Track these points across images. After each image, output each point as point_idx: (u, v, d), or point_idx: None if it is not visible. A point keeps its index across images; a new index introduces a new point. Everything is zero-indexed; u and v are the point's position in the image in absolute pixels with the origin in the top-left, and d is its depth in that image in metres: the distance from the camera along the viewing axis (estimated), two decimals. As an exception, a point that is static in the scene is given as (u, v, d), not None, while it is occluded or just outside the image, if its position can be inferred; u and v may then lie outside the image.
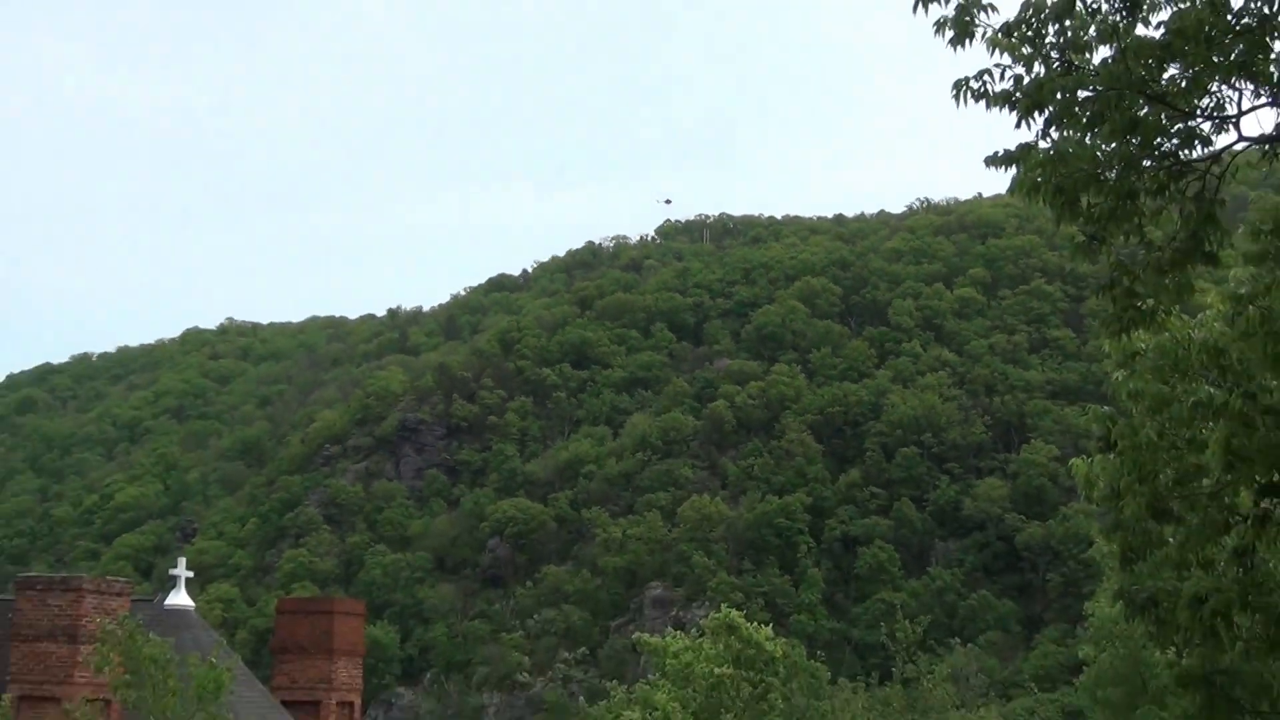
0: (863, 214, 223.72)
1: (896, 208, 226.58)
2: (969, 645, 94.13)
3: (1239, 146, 11.69)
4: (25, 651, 28.26)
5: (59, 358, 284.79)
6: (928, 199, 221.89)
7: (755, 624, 51.99)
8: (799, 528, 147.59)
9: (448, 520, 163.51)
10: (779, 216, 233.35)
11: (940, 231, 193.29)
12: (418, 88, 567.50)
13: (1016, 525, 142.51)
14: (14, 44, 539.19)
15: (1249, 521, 12.75)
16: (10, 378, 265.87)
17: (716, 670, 49.45)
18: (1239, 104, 11.41)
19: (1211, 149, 11.70)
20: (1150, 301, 12.46)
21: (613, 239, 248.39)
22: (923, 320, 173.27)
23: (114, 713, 18.87)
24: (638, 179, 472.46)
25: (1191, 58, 11.14)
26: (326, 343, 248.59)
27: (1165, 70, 11.46)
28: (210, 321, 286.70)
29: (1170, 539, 13.59)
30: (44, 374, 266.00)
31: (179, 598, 34.20)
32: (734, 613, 53.22)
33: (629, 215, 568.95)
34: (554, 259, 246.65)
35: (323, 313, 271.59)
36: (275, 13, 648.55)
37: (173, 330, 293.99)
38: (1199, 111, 11.54)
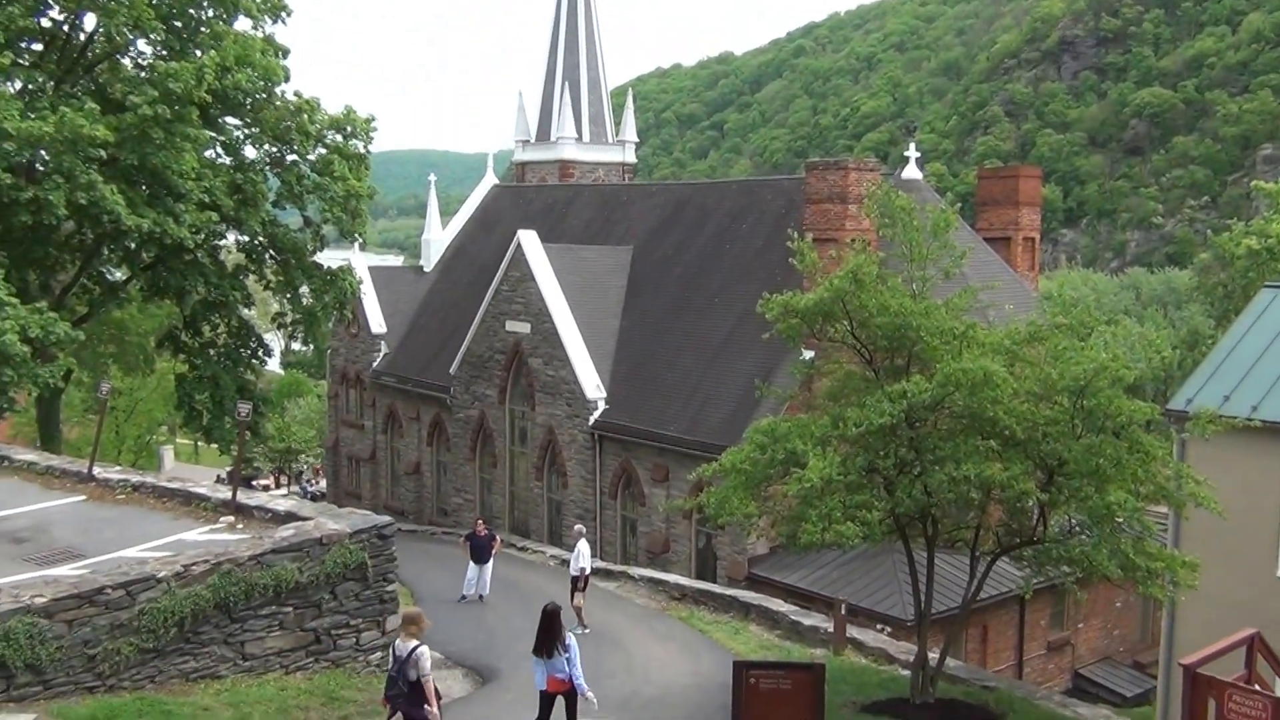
0: None
1: None
2: None
3: None
4: (813, 210, 29.15)
5: (819, 16, 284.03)
6: None
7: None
8: None
9: (1098, 109, 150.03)
10: None
11: None
12: None
13: None
14: None
15: None
16: (789, 34, 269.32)
17: (1326, 207, 43.03)
18: None
19: None
20: None
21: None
22: None
23: (873, 245, 18.81)
24: None
25: None
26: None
27: None
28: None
29: None
30: (810, 29, 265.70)
31: (910, 171, 33.84)
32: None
33: None
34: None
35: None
36: None
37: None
38: None
